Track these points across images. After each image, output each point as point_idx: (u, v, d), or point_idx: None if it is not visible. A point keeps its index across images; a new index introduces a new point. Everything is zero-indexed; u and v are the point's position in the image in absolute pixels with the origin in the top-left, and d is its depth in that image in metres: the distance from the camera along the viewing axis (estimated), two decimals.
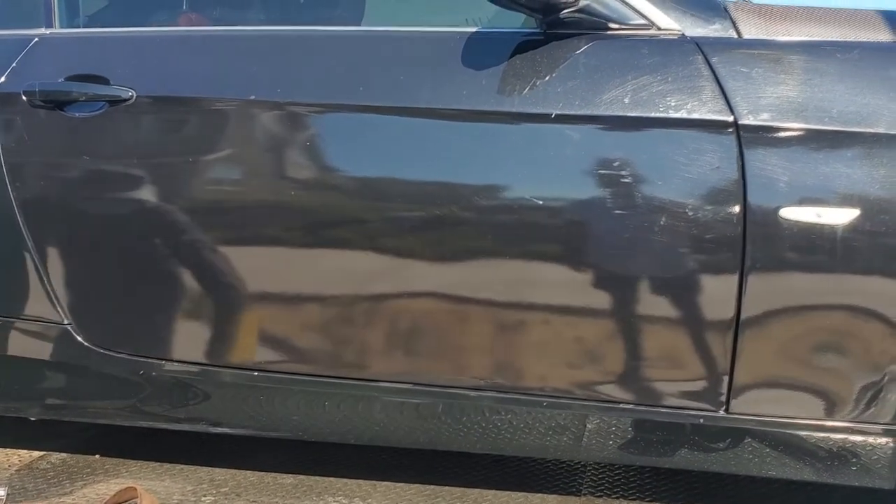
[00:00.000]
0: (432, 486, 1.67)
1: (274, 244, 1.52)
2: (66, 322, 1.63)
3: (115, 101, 1.54)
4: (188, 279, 1.55)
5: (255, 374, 1.55)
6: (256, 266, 1.54)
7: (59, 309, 1.63)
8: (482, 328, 1.45)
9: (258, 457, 1.81)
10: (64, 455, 1.86)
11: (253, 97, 1.49)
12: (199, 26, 1.75)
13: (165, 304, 1.58)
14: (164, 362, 1.60)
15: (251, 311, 1.55)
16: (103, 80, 1.56)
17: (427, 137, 1.46)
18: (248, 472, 1.75)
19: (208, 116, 1.53)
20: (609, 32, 1.39)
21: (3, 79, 1.61)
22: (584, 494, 1.65)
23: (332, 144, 1.52)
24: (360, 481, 1.71)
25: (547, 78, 1.39)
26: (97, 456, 1.85)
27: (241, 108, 1.51)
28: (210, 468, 1.77)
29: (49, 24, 1.68)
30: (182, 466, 1.78)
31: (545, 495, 1.64)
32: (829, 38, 1.35)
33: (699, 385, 1.38)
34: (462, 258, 1.44)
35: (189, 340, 1.59)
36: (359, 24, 1.81)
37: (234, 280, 1.54)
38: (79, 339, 1.62)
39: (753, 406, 1.37)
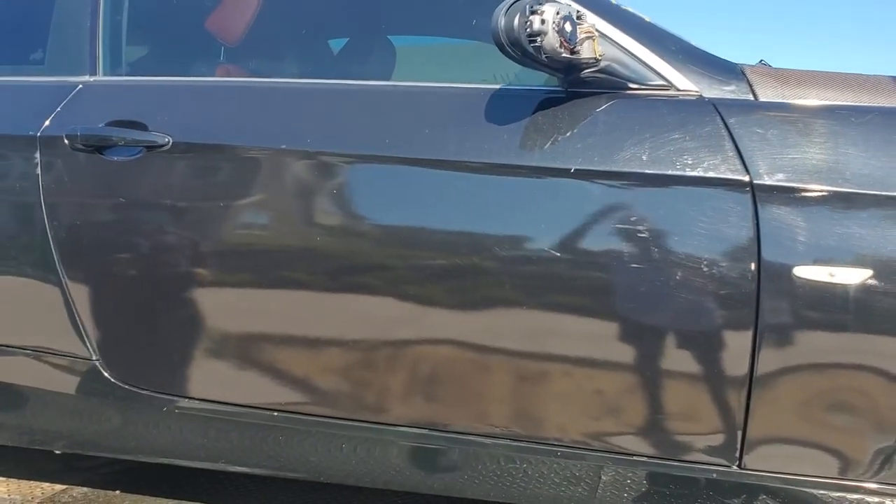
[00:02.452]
0: None
1: (299, 288, 1.56)
2: (94, 358, 1.67)
3: (151, 147, 1.61)
4: (212, 319, 1.59)
5: (275, 414, 1.58)
6: (280, 309, 1.58)
7: (88, 345, 1.67)
8: (499, 377, 1.47)
9: (276, 496, 1.82)
10: (86, 489, 1.89)
11: (284, 146, 1.55)
12: (234, 77, 1.83)
13: (190, 343, 1.62)
14: (185, 399, 1.63)
15: (273, 352, 1.59)
16: (142, 126, 1.63)
17: (451, 189, 1.50)
18: None
19: (240, 164, 1.59)
20: (629, 92, 1.44)
21: (47, 122, 1.69)
22: None
23: (359, 193, 1.57)
24: None
25: (567, 134, 1.43)
26: (118, 492, 1.88)
27: (271, 157, 1.57)
28: None
29: (93, 72, 1.76)
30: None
31: None
32: (844, 103, 1.38)
33: (713, 440, 1.38)
34: (481, 307, 1.47)
35: (212, 379, 1.62)
36: (388, 79, 1.89)
37: (257, 321, 1.59)
38: (106, 374, 1.67)
39: (767, 462, 1.37)
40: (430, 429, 1.52)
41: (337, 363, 1.55)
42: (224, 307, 1.61)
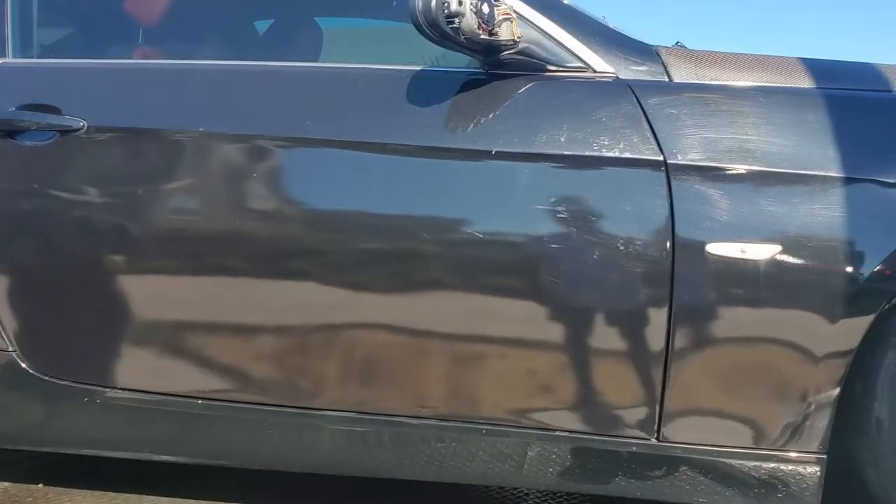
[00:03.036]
0: None
1: (222, 274, 1.54)
2: (10, 349, 1.63)
3: (66, 131, 1.56)
4: (135, 307, 1.56)
5: (200, 402, 1.56)
6: (205, 295, 1.56)
7: (3, 336, 1.63)
8: (425, 359, 1.49)
9: (204, 485, 1.81)
10: (6, 484, 1.84)
11: (202, 129, 1.53)
12: (153, 59, 1.79)
13: (113, 332, 1.59)
14: (108, 390, 1.60)
15: (200, 340, 1.57)
16: (55, 110, 1.58)
17: (376, 172, 1.50)
18: (192, 501, 1.74)
19: (159, 147, 1.56)
20: (547, 74, 1.45)
21: None
22: None
23: (282, 176, 1.56)
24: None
25: (489, 116, 1.45)
26: (40, 485, 1.83)
27: (192, 140, 1.54)
28: (155, 497, 1.76)
29: (2, 54, 1.70)
30: (127, 495, 1.77)
31: None
32: (754, 83, 1.42)
33: (633, 413, 1.42)
34: (407, 290, 1.47)
35: (136, 368, 1.59)
36: (314, 62, 1.87)
37: (182, 309, 1.56)
38: (24, 366, 1.62)
39: (684, 434, 1.41)
40: (360, 412, 1.53)
41: (265, 350, 1.54)
42: (147, 295, 1.57)
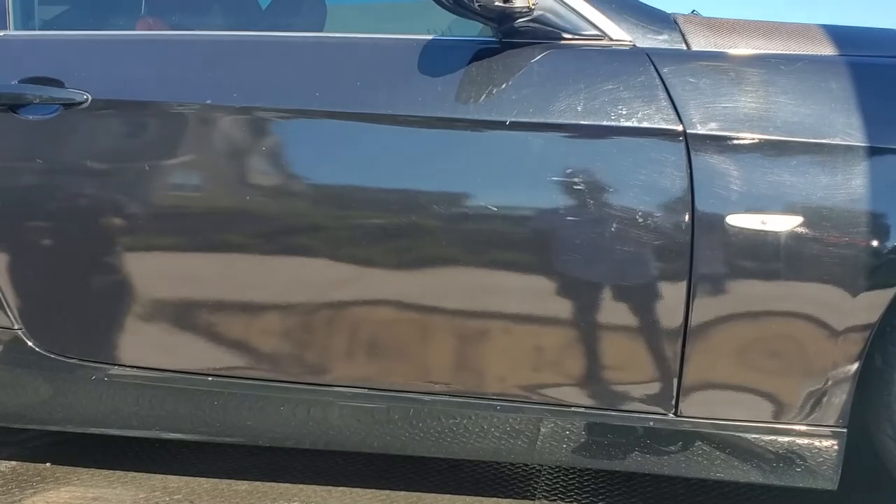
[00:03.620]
0: (387, 492, 1.67)
1: (229, 249, 1.52)
2: (16, 327, 1.60)
3: (69, 104, 1.53)
4: (141, 283, 1.54)
5: (210, 378, 1.55)
6: (211, 271, 1.53)
7: (9, 314, 1.60)
8: (438, 334, 1.46)
9: (213, 463, 1.79)
10: (14, 463, 1.83)
11: (209, 101, 1.49)
12: (156, 31, 1.75)
13: (120, 309, 1.56)
14: (115, 367, 1.58)
15: (208, 316, 1.54)
16: (58, 83, 1.55)
17: (384, 144, 1.47)
18: (203, 479, 1.73)
19: (164, 120, 1.53)
20: (563, 42, 1.42)
21: None
22: (539, 498, 1.66)
23: (290, 150, 1.53)
24: (316, 487, 1.70)
25: (502, 86, 1.41)
26: (48, 464, 1.82)
27: (197, 113, 1.51)
28: (163, 475, 1.75)
29: (3, 26, 1.67)
30: (135, 474, 1.75)
31: (499, 499, 1.65)
32: (775, 51, 1.39)
33: (649, 388, 1.40)
34: (418, 265, 1.45)
35: (144, 345, 1.57)
36: (320, 31, 1.84)
37: (189, 285, 1.54)
38: (30, 344, 1.60)
39: (702, 409, 1.40)
40: (370, 388, 1.51)
41: (273, 325, 1.52)
42: (153, 270, 1.55)
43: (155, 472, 1.76)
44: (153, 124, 1.54)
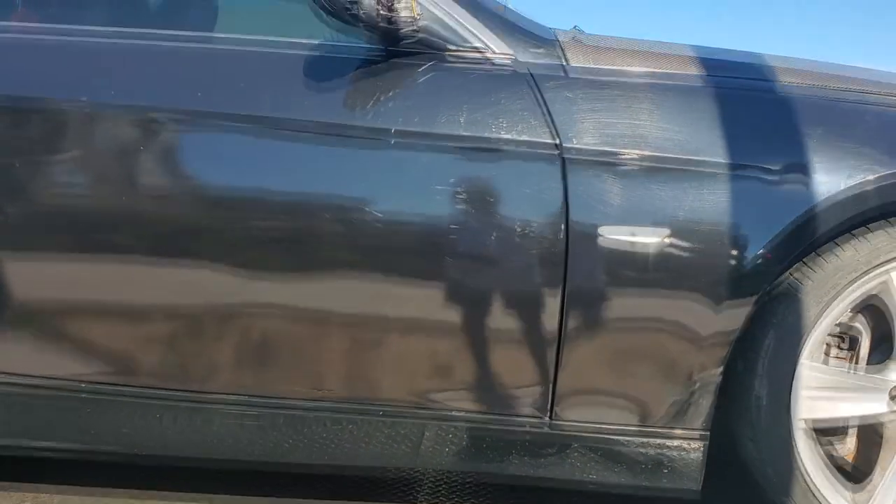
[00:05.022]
0: (272, 499, 1.66)
1: (106, 252, 1.47)
2: None
3: None
4: (12, 286, 1.48)
5: (83, 385, 1.50)
6: (87, 275, 1.48)
7: None
8: (321, 342, 1.46)
9: (89, 474, 1.74)
10: None
11: (85, 98, 1.45)
12: (32, 24, 1.68)
13: None
14: None
15: (82, 321, 1.50)
16: None
17: (268, 147, 1.46)
18: (80, 487, 1.67)
19: (41, 118, 1.47)
20: (447, 54, 1.44)
21: None
22: (421, 502, 1.68)
23: (173, 151, 1.49)
24: (200, 495, 1.67)
25: (389, 94, 1.42)
26: None
27: (76, 111, 1.46)
28: (36, 484, 1.68)
29: None
30: (4, 483, 1.68)
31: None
32: (648, 71, 1.45)
33: (526, 394, 1.44)
34: (301, 270, 1.44)
35: (11, 351, 1.51)
36: (209, 32, 1.80)
37: (63, 288, 1.49)
38: None
39: (576, 414, 1.44)
40: (254, 396, 1.49)
41: (155, 332, 1.48)
42: (27, 274, 1.49)
43: (27, 482, 1.69)
44: (30, 122, 1.48)
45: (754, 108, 1.44)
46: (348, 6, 1.29)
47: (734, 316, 1.40)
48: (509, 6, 1.53)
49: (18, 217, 1.47)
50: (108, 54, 1.53)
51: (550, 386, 1.42)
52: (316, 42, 1.47)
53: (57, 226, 1.47)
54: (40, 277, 1.49)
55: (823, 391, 1.46)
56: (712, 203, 1.37)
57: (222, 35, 1.62)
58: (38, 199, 1.47)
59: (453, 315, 1.42)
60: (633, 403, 1.44)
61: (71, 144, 1.48)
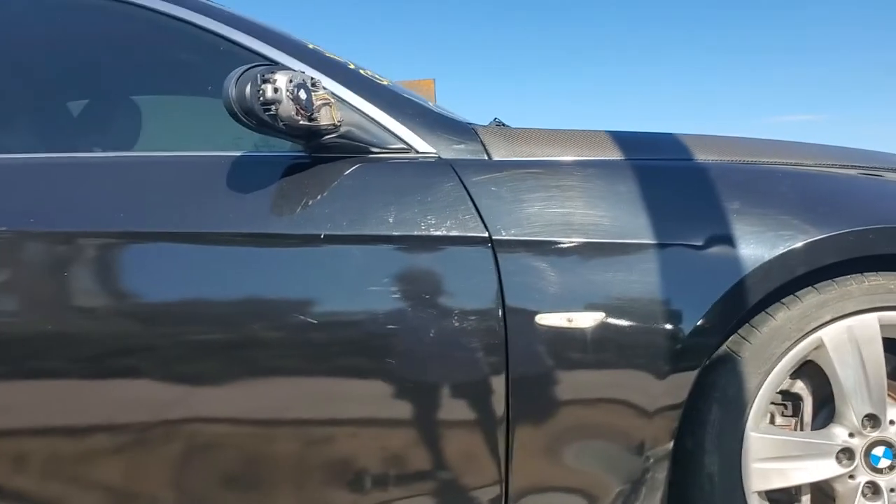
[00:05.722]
0: None
1: (42, 376, 1.42)
2: None
3: None
4: None
5: None
6: (27, 400, 1.42)
7: None
8: (267, 450, 1.42)
9: None
10: None
11: (4, 228, 1.42)
12: None
13: None
14: None
15: (22, 448, 1.42)
16: None
17: (195, 262, 1.44)
18: None
19: None
20: (371, 156, 1.46)
21: None
22: None
23: (102, 272, 1.46)
24: None
25: (316, 199, 1.42)
26: None
27: (12, 239, 1.43)
28: None
29: None
30: None
31: None
32: (568, 158, 1.49)
33: (480, 493, 1.41)
34: (243, 379, 1.40)
35: None
36: (132, 144, 1.80)
37: (9, 420, 1.42)
38: None
39: None
40: None
41: (100, 453, 1.42)
42: None
43: None
44: None
45: (675, 186, 1.48)
46: (267, 118, 1.29)
47: (678, 389, 1.40)
48: (434, 103, 1.56)
49: None
50: (29, 180, 1.50)
51: (502, 483, 1.39)
52: (238, 153, 1.47)
53: None
54: None
55: (773, 461, 1.46)
56: (644, 282, 1.38)
57: (140, 154, 1.62)
58: None
59: (401, 412, 1.39)
60: (586, 487, 1.42)
61: (10, 271, 1.44)
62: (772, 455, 1.46)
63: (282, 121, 1.31)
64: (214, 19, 1.57)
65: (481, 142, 1.49)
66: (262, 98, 1.28)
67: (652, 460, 1.41)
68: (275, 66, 1.36)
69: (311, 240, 1.40)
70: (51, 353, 1.42)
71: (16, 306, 1.46)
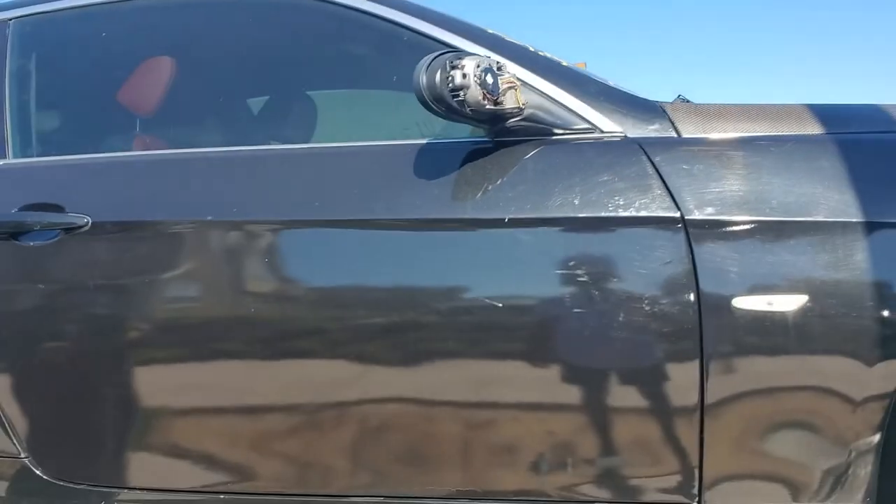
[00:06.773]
0: None
1: (235, 361, 1.51)
2: (23, 455, 1.58)
3: (70, 229, 1.54)
4: (146, 402, 1.53)
5: (222, 496, 1.51)
6: (217, 383, 1.52)
7: (15, 441, 1.58)
8: (449, 433, 1.44)
9: None
10: None
11: (210, 218, 1.51)
12: (152, 149, 1.78)
13: (124, 429, 1.55)
14: (126, 490, 1.55)
15: (213, 431, 1.53)
16: (58, 208, 1.57)
17: (384, 247, 1.48)
18: None
19: (166, 239, 1.54)
20: (555, 138, 1.45)
21: None
22: None
23: (291, 259, 1.54)
24: None
25: (498, 183, 1.43)
26: None
27: (198, 230, 1.52)
28: None
29: (2, 155, 1.69)
30: None
31: None
32: (763, 133, 1.42)
33: (671, 479, 1.37)
34: (424, 362, 1.44)
35: (151, 466, 1.55)
36: (310, 136, 1.87)
37: (193, 400, 1.53)
38: (37, 472, 1.57)
39: (726, 497, 1.37)
40: (384, 496, 1.48)
41: (281, 435, 1.50)
42: (157, 388, 1.54)
43: None
44: (153, 243, 1.55)
45: (884, 161, 1.38)
46: (455, 104, 1.30)
47: (887, 377, 1.31)
48: (614, 82, 1.53)
49: (149, 336, 1.53)
50: (224, 172, 1.59)
51: (697, 469, 1.35)
52: (424, 141, 1.50)
53: (182, 339, 1.53)
54: (168, 391, 1.53)
55: None
56: (851, 262, 1.30)
57: (330, 145, 1.67)
58: (165, 316, 1.53)
59: (585, 401, 1.38)
60: (784, 480, 1.36)
61: (196, 262, 1.55)
62: None
63: (469, 106, 1.32)
64: (402, 11, 1.59)
65: (669, 119, 1.44)
66: (451, 84, 1.29)
67: (855, 454, 1.33)
68: (461, 52, 1.36)
69: (494, 224, 1.41)
70: (228, 338, 1.50)
71: (197, 294, 1.56)
